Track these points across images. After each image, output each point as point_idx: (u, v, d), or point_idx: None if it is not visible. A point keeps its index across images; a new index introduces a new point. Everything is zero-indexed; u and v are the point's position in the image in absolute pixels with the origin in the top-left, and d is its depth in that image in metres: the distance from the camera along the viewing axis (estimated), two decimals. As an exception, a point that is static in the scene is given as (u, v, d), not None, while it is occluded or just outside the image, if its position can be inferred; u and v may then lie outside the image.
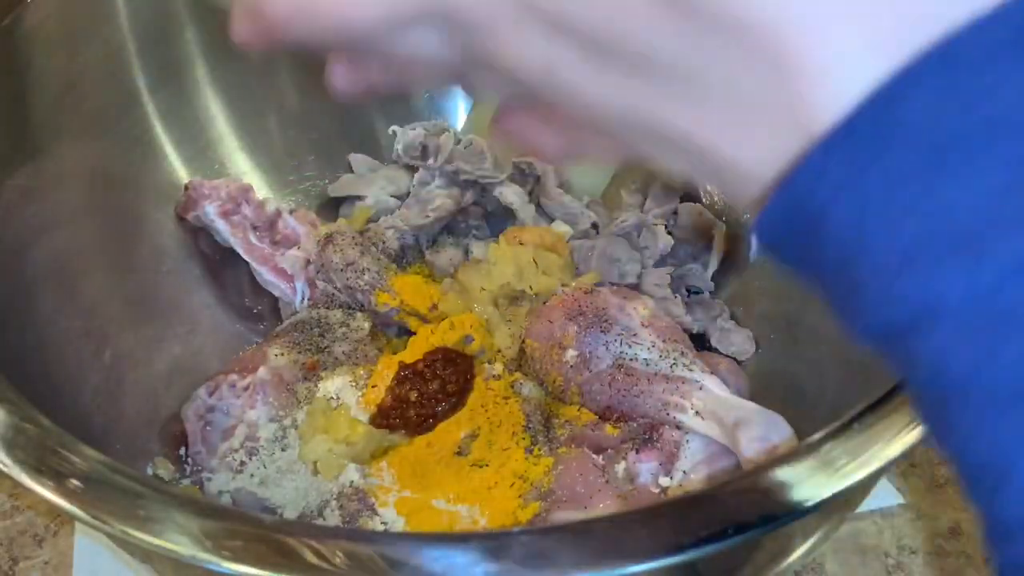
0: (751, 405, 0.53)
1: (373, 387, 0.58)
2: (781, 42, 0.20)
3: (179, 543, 0.36)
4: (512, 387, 0.58)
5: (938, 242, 0.19)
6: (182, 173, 0.67)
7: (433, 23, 0.26)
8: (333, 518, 0.52)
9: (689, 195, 0.69)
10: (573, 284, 0.62)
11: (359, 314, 0.62)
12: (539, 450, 0.54)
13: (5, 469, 0.39)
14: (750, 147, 0.22)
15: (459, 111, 0.76)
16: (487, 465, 0.54)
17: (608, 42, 0.22)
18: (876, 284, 0.20)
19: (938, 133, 0.19)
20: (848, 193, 0.20)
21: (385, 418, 0.57)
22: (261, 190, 0.69)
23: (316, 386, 0.58)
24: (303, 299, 0.64)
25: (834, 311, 0.22)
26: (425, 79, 0.29)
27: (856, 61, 0.20)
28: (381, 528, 0.52)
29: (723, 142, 0.22)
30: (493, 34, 0.25)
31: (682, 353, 0.56)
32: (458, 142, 0.69)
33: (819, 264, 0.21)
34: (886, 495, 0.59)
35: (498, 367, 0.59)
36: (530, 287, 0.62)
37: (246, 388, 0.57)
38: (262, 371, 0.58)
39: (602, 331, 0.57)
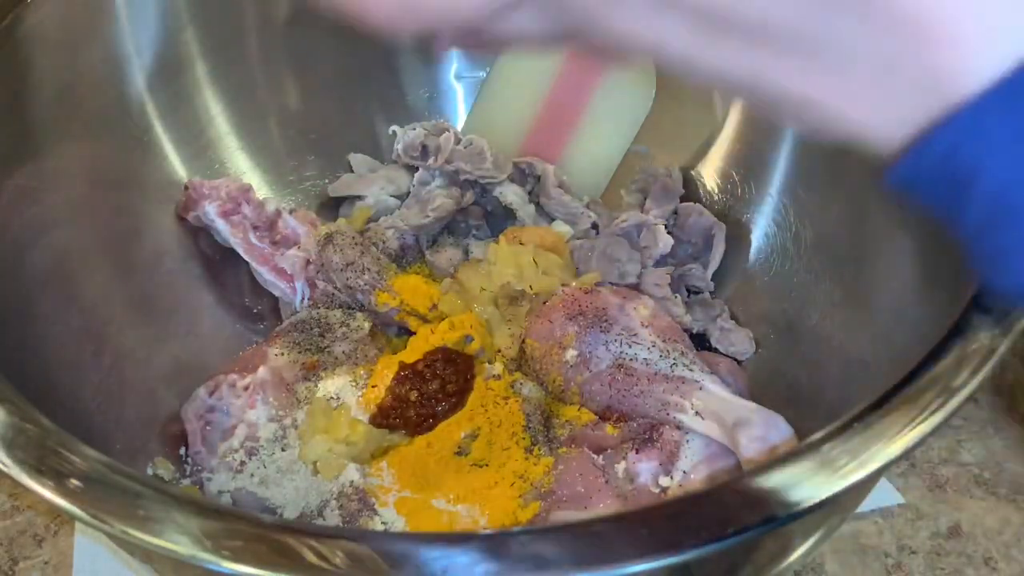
0: (751, 405, 0.53)
1: (373, 387, 0.58)
2: (920, 14, 0.20)
3: (179, 543, 0.36)
4: (512, 387, 0.58)
5: None
6: (182, 173, 0.67)
7: (536, 4, 0.26)
8: (333, 518, 0.52)
9: (689, 195, 0.69)
10: (573, 284, 0.62)
11: (359, 314, 0.62)
12: (539, 450, 0.54)
13: (5, 469, 0.39)
14: (880, 110, 0.22)
15: (459, 111, 0.76)
16: (487, 465, 0.54)
17: (723, 15, 0.22)
18: None
19: None
20: (1008, 151, 0.20)
21: (385, 418, 0.57)
22: (261, 190, 0.69)
23: (316, 386, 0.58)
24: (303, 299, 0.64)
25: (975, 260, 0.22)
26: (507, 46, 0.29)
27: (1003, 32, 0.20)
28: (381, 528, 0.52)
29: (850, 106, 0.22)
30: (600, 13, 0.24)
31: (682, 353, 0.56)
32: (458, 142, 0.69)
33: (965, 214, 0.22)
34: (886, 495, 0.59)
35: (498, 367, 0.59)
36: (530, 287, 0.62)
37: (246, 388, 0.57)
38: (262, 371, 0.58)
39: (602, 331, 0.57)
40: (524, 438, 0.55)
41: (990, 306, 0.41)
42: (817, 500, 0.36)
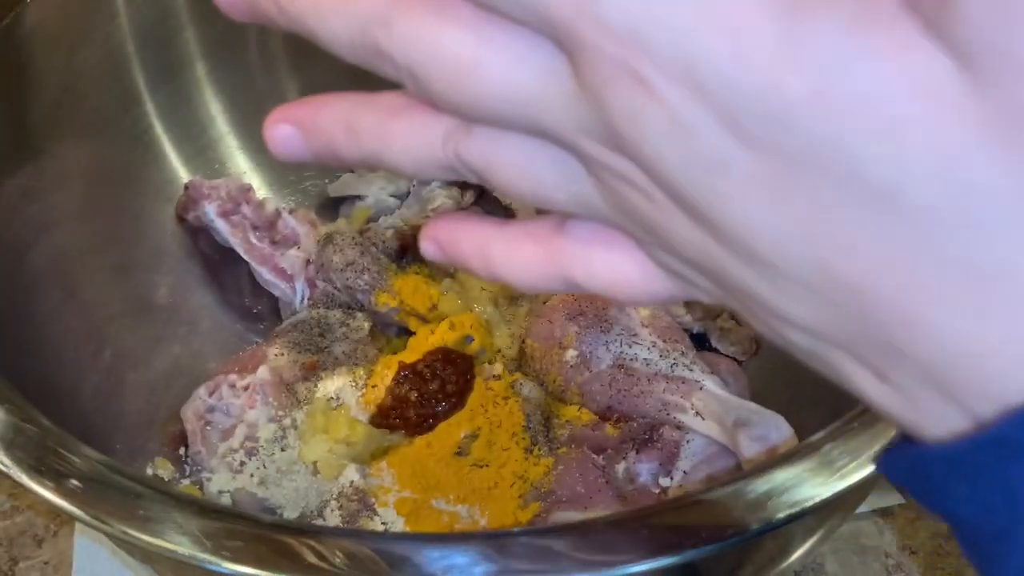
0: (751, 405, 0.53)
1: (373, 387, 0.58)
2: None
3: (179, 543, 0.36)
4: (512, 387, 0.57)
5: None
6: (182, 173, 0.67)
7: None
8: (333, 518, 0.52)
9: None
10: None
11: (359, 314, 0.62)
12: (539, 450, 0.54)
13: (5, 469, 0.39)
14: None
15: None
16: (487, 465, 0.54)
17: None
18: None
19: None
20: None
21: (385, 418, 0.57)
22: (261, 190, 0.69)
23: (316, 386, 0.58)
24: (303, 299, 0.64)
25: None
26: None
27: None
28: (381, 528, 0.52)
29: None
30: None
31: (682, 353, 0.56)
32: (458, 142, 0.69)
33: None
34: (886, 495, 0.59)
35: (498, 367, 0.59)
36: (530, 287, 0.62)
37: (246, 388, 0.57)
38: (262, 371, 0.58)
39: (602, 331, 0.57)
40: (524, 438, 0.55)
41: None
42: (817, 500, 0.36)
